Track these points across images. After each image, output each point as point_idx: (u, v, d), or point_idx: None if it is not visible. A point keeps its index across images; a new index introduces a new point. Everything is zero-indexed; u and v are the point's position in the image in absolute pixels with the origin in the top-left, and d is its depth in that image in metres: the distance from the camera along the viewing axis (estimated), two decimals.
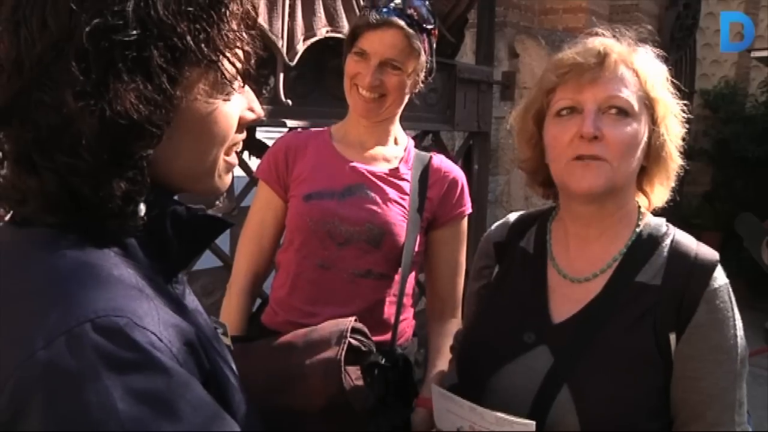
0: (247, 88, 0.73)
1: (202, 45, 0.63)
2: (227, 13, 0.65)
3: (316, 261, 1.41)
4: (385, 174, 1.47)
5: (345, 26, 2.25)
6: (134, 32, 0.58)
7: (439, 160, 1.55)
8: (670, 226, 1.12)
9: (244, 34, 0.68)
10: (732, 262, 5.56)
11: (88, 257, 0.60)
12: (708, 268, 1.03)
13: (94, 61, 0.57)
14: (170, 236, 0.68)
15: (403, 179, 1.48)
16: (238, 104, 0.72)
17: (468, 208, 1.56)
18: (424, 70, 1.48)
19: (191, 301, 0.76)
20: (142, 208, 0.64)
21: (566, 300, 1.09)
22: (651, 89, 1.07)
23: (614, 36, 1.11)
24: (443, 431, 1.05)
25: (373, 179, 1.45)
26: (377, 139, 1.50)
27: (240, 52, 0.68)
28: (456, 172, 1.56)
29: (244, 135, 0.75)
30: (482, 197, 3.48)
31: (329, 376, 1.17)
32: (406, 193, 1.47)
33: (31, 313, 0.56)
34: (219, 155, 0.71)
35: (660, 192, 1.14)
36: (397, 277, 1.46)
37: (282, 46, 2.13)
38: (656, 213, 1.18)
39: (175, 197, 0.72)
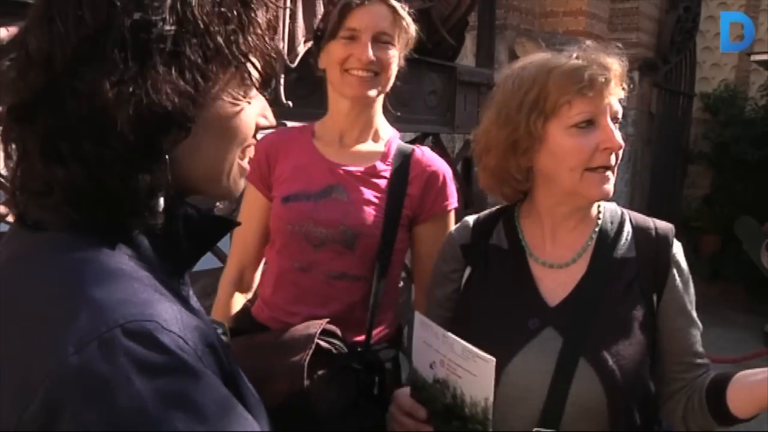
0: (260, 95, 0.75)
1: (232, 46, 0.66)
2: (255, 18, 0.68)
3: (295, 262, 1.41)
4: (361, 173, 1.43)
5: None
6: (171, 27, 0.61)
7: (422, 153, 1.50)
8: (620, 207, 1.25)
9: (267, 41, 0.70)
10: (731, 265, 5.57)
11: (107, 261, 0.61)
12: (669, 235, 1.19)
13: (132, 51, 0.59)
14: (181, 237, 0.69)
15: (381, 176, 1.44)
16: (257, 109, 0.74)
17: (453, 203, 1.49)
18: (409, 43, 1.46)
19: (194, 301, 0.77)
20: (161, 203, 0.65)
21: (555, 285, 1.17)
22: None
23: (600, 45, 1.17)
24: (417, 370, 1.09)
25: (350, 179, 1.42)
26: (359, 133, 1.47)
27: (262, 58, 0.71)
28: (438, 164, 1.50)
29: (256, 140, 0.76)
30: (482, 200, 3.49)
31: (294, 379, 1.20)
32: (383, 192, 1.43)
33: (59, 319, 0.56)
34: (235, 158, 0.73)
35: None
36: (372, 278, 1.42)
37: (283, 48, 2.14)
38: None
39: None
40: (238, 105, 0.70)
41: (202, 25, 0.63)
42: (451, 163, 3.26)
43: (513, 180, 1.20)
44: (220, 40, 0.64)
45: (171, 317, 0.58)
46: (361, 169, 1.44)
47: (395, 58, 1.42)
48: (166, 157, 0.64)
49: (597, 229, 1.20)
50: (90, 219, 0.62)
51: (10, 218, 1.55)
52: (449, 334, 1.02)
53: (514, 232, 1.23)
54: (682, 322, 1.17)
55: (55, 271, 0.60)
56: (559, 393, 1.07)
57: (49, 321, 0.57)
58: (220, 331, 0.81)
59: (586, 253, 1.18)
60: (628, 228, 1.20)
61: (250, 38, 0.68)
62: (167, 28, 0.61)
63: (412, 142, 3.25)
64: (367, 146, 1.48)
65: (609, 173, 1.12)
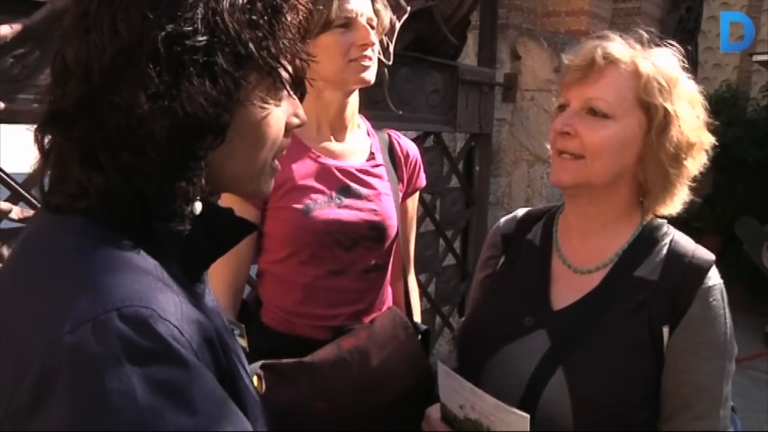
0: (292, 97, 0.76)
1: (263, 52, 0.67)
2: (285, 22, 0.69)
3: (328, 269, 1.40)
4: (368, 167, 1.48)
5: None
6: (203, 38, 0.62)
7: (397, 137, 1.60)
8: (671, 227, 1.17)
9: (298, 44, 0.71)
10: (732, 265, 5.56)
11: (119, 248, 0.62)
12: (704, 267, 1.08)
13: (166, 64, 0.60)
14: (200, 236, 0.70)
15: (380, 165, 1.51)
16: (286, 109, 0.75)
17: (424, 178, 1.64)
18: (385, 29, 1.48)
19: (211, 300, 0.78)
20: (198, 207, 0.68)
21: (568, 289, 1.14)
22: (647, 94, 1.08)
23: (622, 36, 1.13)
24: (447, 405, 1.09)
25: (360, 175, 1.45)
26: (349, 126, 1.49)
27: (292, 61, 0.72)
28: (413, 148, 1.62)
29: (289, 140, 0.77)
30: (483, 199, 3.49)
31: (419, 370, 1.40)
32: (386, 180, 1.50)
33: (61, 297, 0.58)
34: (268, 159, 0.74)
35: (657, 197, 1.14)
36: (390, 262, 1.54)
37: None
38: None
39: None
40: (268, 108, 0.71)
41: (233, 33, 0.64)
42: (453, 163, 3.27)
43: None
44: (251, 46, 0.65)
45: (170, 307, 0.59)
46: (362, 162, 1.47)
47: (377, 40, 1.44)
48: (202, 164, 0.65)
49: (629, 243, 1.14)
50: (116, 222, 0.64)
51: (13, 215, 1.55)
52: (477, 389, 1.02)
53: (549, 228, 1.24)
54: (687, 364, 1.04)
55: (65, 251, 0.62)
56: (531, 396, 1.06)
57: (51, 298, 0.58)
58: (237, 332, 0.81)
59: (609, 266, 1.13)
60: (663, 249, 1.12)
61: (280, 43, 0.69)
62: (199, 38, 0.62)
63: (413, 141, 3.25)
64: (358, 138, 1.51)
65: (571, 161, 1.09)
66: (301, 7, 0.71)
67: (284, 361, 1.30)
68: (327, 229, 1.38)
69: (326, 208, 1.39)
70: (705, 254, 1.10)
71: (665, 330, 1.04)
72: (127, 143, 0.61)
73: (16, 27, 1.48)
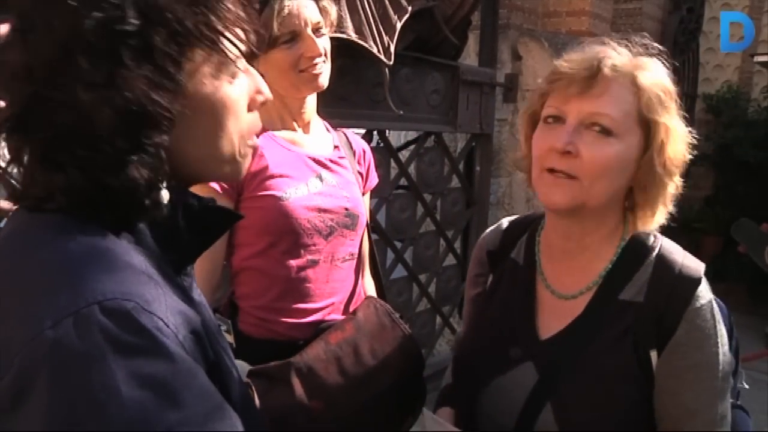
0: (253, 70, 0.74)
1: (202, 27, 0.65)
2: None
3: (308, 258, 1.41)
4: (336, 158, 1.51)
5: (350, 27, 2.25)
6: (135, 21, 0.60)
7: (352, 136, 1.65)
8: (658, 236, 1.09)
9: (241, 13, 0.69)
10: (732, 266, 5.56)
11: (99, 242, 0.61)
12: (691, 285, 1.01)
13: (100, 53, 0.59)
14: (181, 227, 0.69)
15: (342, 157, 1.54)
16: (245, 86, 0.72)
17: (376, 178, 1.69)
18: (333, 22, 1.49)
19: (197, 294, 0.77)
20: (165, 194, 0.66)
21: (553, 316, 1.09)
22: (649, 110, 1.01)
23: (626, 46, 1.06)
24: None
25: (330, 165, 1.49)
26: (312, 122, 1.52)
27: (240, 32, 0.69)
28: (367, 146, 1.67)
29: (258, 118, 0.75)
30: (484, 199, 3.49)
31: (409, 354, 1.42)
32: (351, 172, 1.54)
33: (42, 293, 0.57)
34: (235, 138, 0.72)
35: (645, 216, 1.07)
36: (363, 250, 1.58)
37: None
38: None
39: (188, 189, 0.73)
40: (219, 86, 0.68)
41: (167, 12, 0.62)
42: (454, 163, 3.26)
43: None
44: (188, 24, 0.63)
45: (154, 299, 0.58)
46: (330, 153, 1.52)
47: (328, 39, 1.46)
48: (160, 151, 0.63)
49: (612, 263, 1.07)
50: (93, 218, 0.63)
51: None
52: None
53: (532, 247, 1.17)
54: (676, 387, 0.99)
55: (45, 247, 0.61)
56: (523, 430, 1.02)
57: (32, 294, 0.57)
58: (224, 328, 0.81)
59: (592, 289, 1.07)
60: (649, 266, 1.04)
61: (221, 15, 0.66)
62: (130, 21, 0.60)
63: (414, 141, 3.26)
64: (319, 132, 1.55)
65: (566, 181, 1.01)
66: None
67: (272, 364, 1.28)
68: (306, 215, 1.39)
69: (303, 194, 1.41)
70: (693, 270, 1.03)
71: (653, 354, 1.00)
72: (78, 139, 0.60)
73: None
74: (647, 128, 1.01)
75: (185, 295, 0.68)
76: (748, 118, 6.55)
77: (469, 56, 3.67)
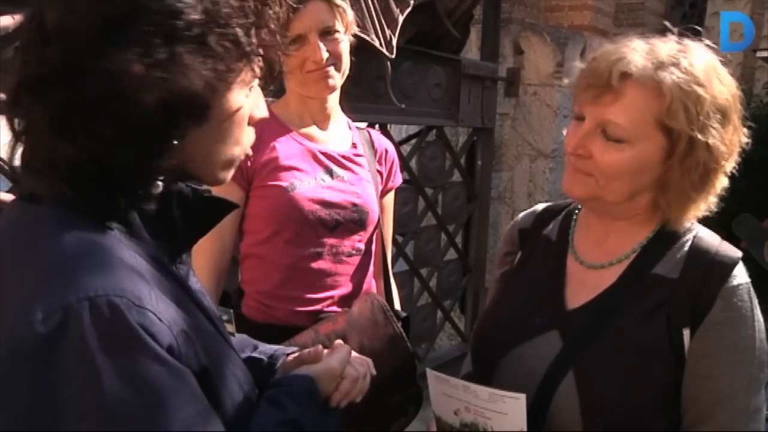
0: (257, 87, 0.75)
1: (249, 40, 0.67)
2: (270, 13, 0.69)
3: (311, 249, 1.43)
4: (351, 155, 1.52)
5: (369, 28, 2.25)
6: (199, 17, 0.62)
7: (376, 135, 1.65)
8: (695, 223, 1.09)
9: (278, 38, 0.71)
10: None
11: (94, 237, 0.61)
12: (728, 264, 1.01)
13: (163, 36, 0.60)
14: (176, 216, 0.69)
15: (361, 155, 1.55)
16: (253, 101, 0.74)
17: (400, 178, 1.71)
18: (350, 26, 1.48)
19: (194, 282, 0.77)
20: (159, 187, 0.66)
21: (582, 287, 1.08)
22: (670, 117, 0.97)
23: (646, 39, 1.03)
24: (441, 418, 1.06)
25: (343, 161, 1.50)
26: (331, 119, 1.54)
27: (268, 54, 0.72)
28: (391, 146, 1.68)
29: (253, 132, 0.76)
30: (485, 193, 3.49)
31: (399, 351, 1.39)
32: (367, 170, 1.55)
33: (35, 286, 0.57)
34: (237, 148, 0.73)
35: (676, 212, 1.06)
36: (374, 248, 1.57)
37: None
38: None
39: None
40: (243, 96, 0.70)
41: (226, 18, 0.64)
42: (456, 157, 3.26)
43: None
44: (239, 32, 0.65)
45: (144, 295, 0.58)
46: (345, 150, 1.53)
47: (345, 43, 1.46)
48: (181, 143, 0.64)
49: (647, 239, 1.07)
50: (82, 196, 0.63)
51: None
52: (470, 384, 0.99)
53: (566, 225, 1.18)
54: (709, 369, 0.96)
55: (40, 240, 0.61)
56: (542, 400, 1.01)
57: (27, 287, 0.58)
58: (225, 318, 0.81)
59: (624, 262, 1.06)
60: (685, 245, 1.04)
61: (263, 33, 0.69)
62: (195, 16, 0.61)
63: (416, 134, 3.26)
64: (338, 129, 1.56)
65: (583, 175, 1.03)
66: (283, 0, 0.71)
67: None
68: (311, 207, 1.42)
69: (311, 186, 1.44)
70: (730, 251, 1.04)
71: (686, 332, 0.97)
72: (105, 112, 0.60)
73: (18, 17, 1.48)
74: (670, 135, 0.99)
75: (181, 285, 0.68)
76: (750, 113, 6.52)
77: (471, 50, 3.66)
